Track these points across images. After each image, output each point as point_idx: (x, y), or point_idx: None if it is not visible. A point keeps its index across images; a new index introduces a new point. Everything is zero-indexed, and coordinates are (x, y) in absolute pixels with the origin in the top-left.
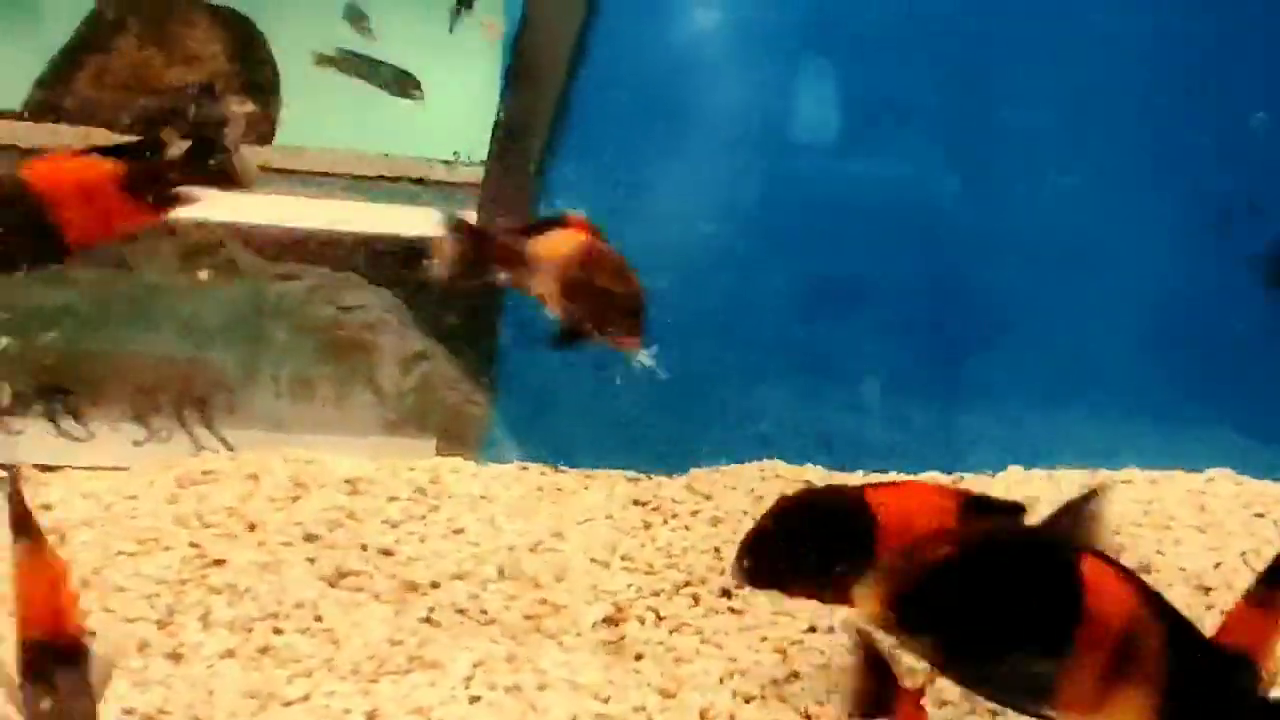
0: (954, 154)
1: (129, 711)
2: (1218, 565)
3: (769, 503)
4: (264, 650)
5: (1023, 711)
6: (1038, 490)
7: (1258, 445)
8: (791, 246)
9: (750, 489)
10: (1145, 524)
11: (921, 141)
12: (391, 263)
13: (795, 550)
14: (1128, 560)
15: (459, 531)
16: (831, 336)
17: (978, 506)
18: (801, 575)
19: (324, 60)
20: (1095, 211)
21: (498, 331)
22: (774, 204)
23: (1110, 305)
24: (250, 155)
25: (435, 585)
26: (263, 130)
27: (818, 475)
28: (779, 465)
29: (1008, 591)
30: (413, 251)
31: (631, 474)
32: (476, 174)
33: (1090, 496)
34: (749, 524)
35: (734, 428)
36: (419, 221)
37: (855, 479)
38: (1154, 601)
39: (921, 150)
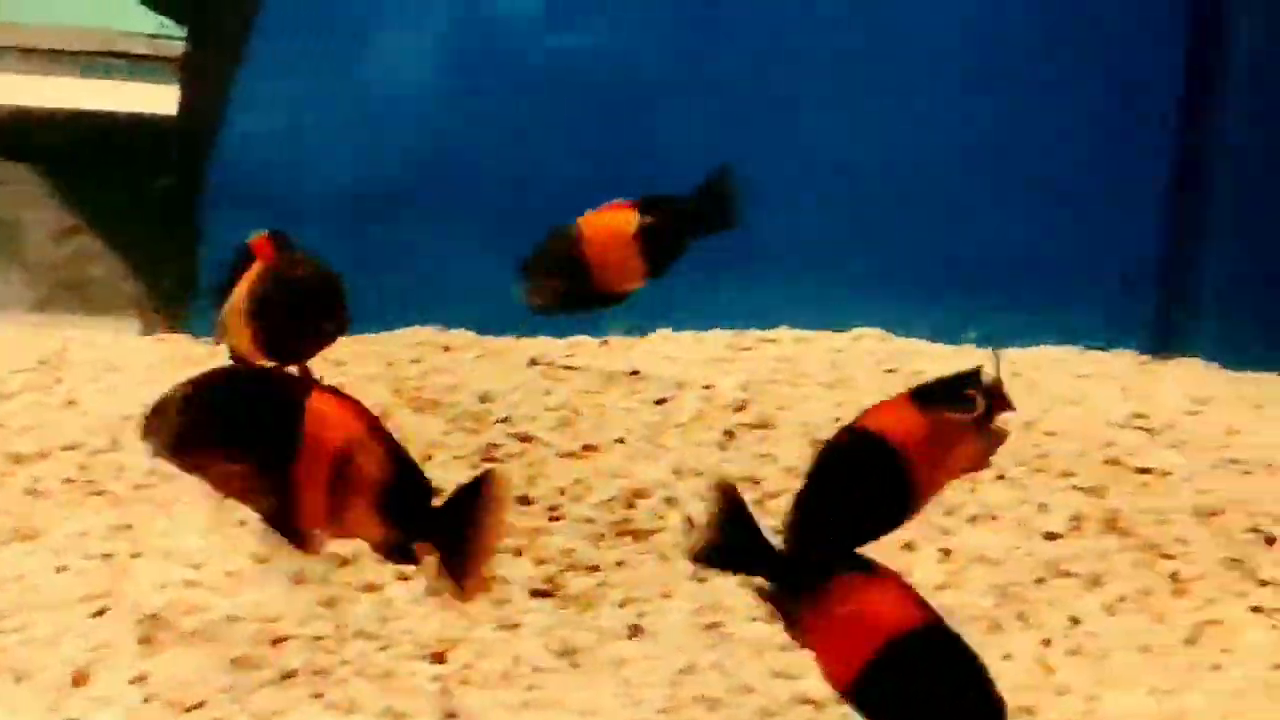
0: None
1: None
2: (836, 420)
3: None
4: None
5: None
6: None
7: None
8: (496, 123)
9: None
10: (779, 380)
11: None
12: (47, 136)
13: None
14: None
15: (73, 403)
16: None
17: None
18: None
19: None
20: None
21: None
22: (480, 83)
23: (801, 170)
24: None
25: (44, 455)
26: None
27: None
28: (429, 331)
29: (235, 417)
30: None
31: None
32: (178, 49)
33: None
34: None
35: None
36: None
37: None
38: (375, 428)
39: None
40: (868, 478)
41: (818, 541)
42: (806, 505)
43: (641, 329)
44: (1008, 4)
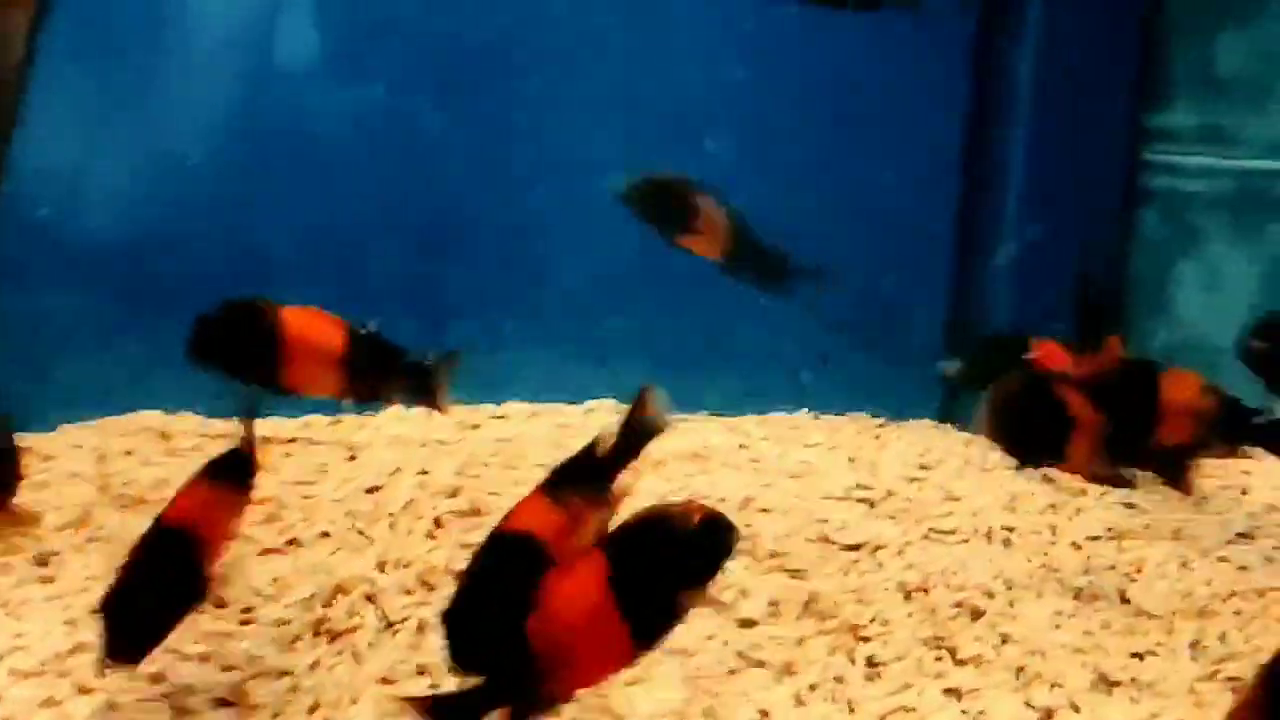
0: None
1: None
2: None
3: None
4: None
5: None
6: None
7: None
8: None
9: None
10: (495, 462)
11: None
12: None
13: None
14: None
15: None
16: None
17: None
18: None
19: None
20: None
21: None
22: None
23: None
24: None
25: None
26: None
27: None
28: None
29: None
30: None
31: None
32: None
33: None
34: None
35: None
36: None
37: None
38: None
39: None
40: (522, 577)
41: (478, 647)
42: (459, 613)
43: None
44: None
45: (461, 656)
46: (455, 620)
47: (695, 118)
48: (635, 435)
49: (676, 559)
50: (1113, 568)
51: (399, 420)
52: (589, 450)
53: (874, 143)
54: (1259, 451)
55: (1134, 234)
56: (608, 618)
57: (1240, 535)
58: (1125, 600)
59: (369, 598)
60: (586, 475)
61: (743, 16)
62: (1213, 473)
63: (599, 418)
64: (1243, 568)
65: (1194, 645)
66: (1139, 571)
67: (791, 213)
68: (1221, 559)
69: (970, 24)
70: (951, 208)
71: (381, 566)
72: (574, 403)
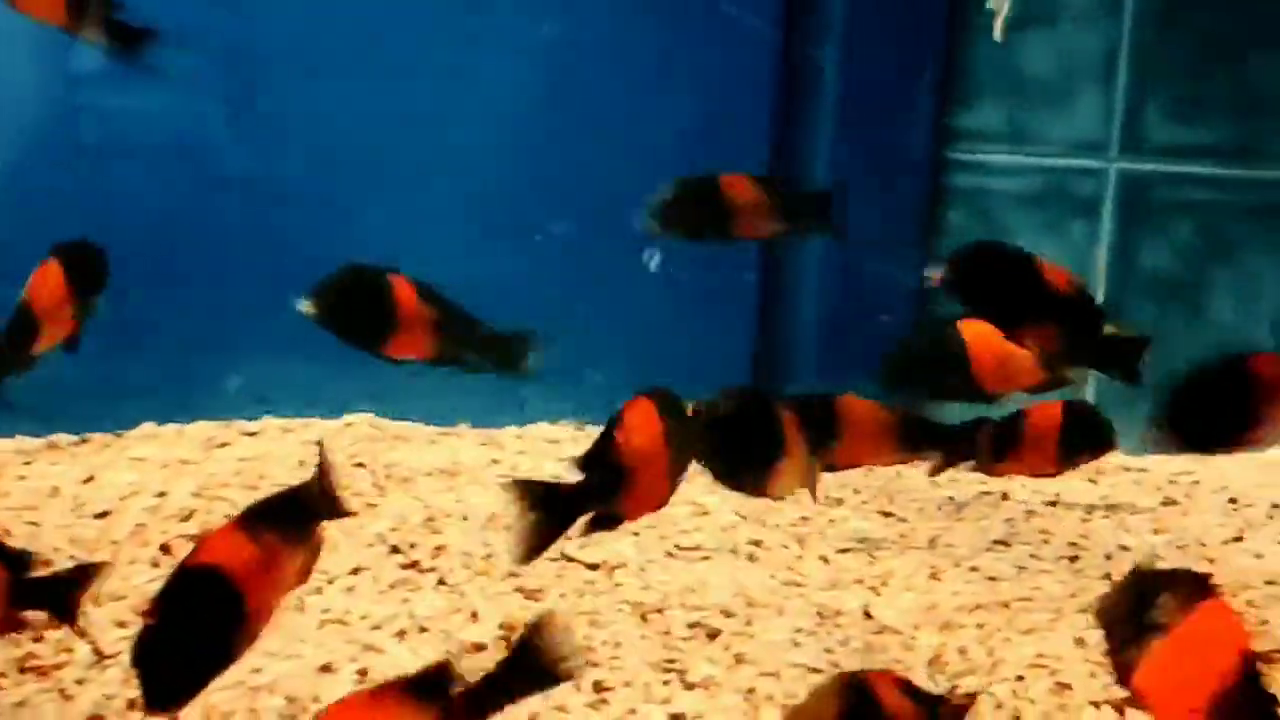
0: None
1: None
2: None
3: None
4: None
5: None
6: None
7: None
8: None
9: None
10: (236, 483)
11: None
12: None
13: None
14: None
15: None
16: None
17: None
18: None
19: None
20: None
21: None
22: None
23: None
24: None
25: None
26: None
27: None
28: None
29: None
30: None
31: None
32: None
33: None
34: None
35: None
36: None
37: None
38: None
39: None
40: (201, 615)
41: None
42: (146, 653)
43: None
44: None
45: (151, 694)
46: (140, 657)
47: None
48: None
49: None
50: (860, 581)
51: (145, 440)
52: (301, 487)
53: (678, 146)
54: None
55: (941, 232)
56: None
57: (997, 543)
58: (868, 615)
59: (80, 632)
60: (291, 512)
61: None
62: (976, 478)
63: (357, 430)
64: (992, 578)
65: (932, 661)
66: (885, 584)
67: (596, 216)
68: (973, 569)
69: (775, 27)
70: None
71: (96, 598)
72: (332, 417)
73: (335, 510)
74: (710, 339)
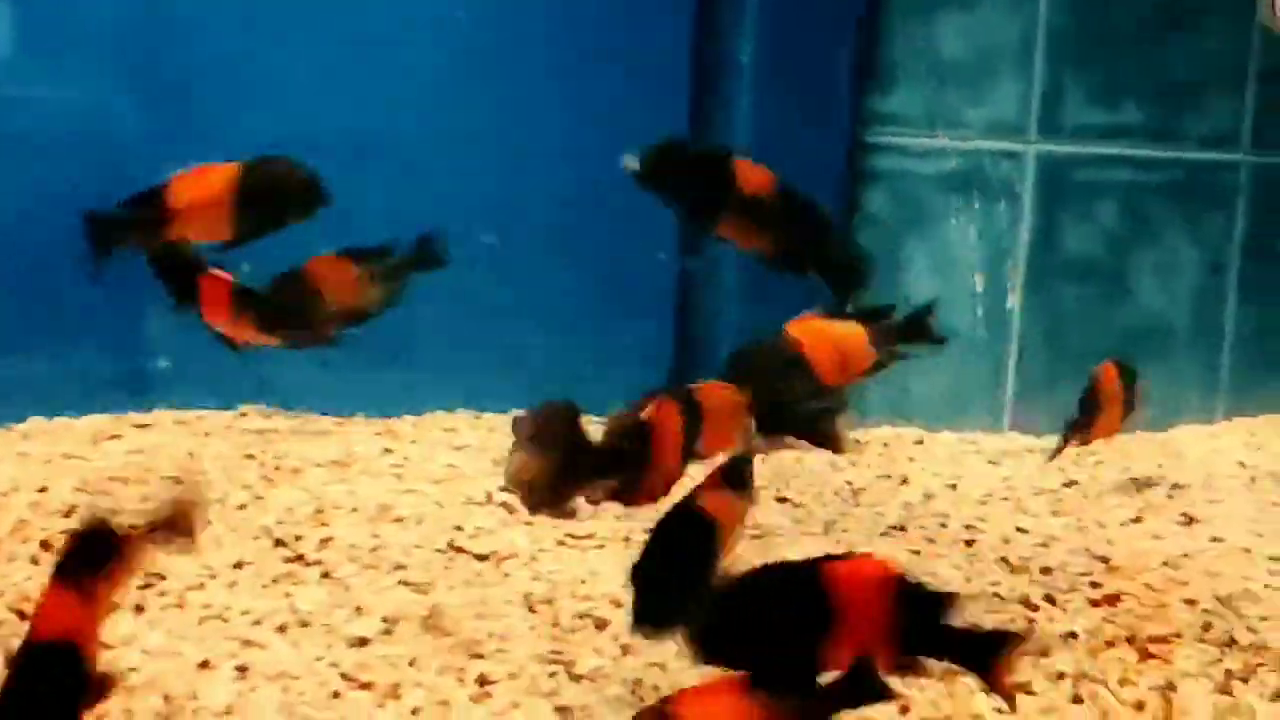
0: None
1: None
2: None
3: None
4: None
5: None
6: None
7: None
8: None
9: None
10: (123, 477)
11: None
12: None
13: None
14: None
15: None
16: None
17: None
18: None
19: None
20: None
21: None
22: None
23: None
24: None
25: None
26: None
27: None
28: None
29: None
30: None
31: None
32: None
33: None
34: None
35: None
36: None
37: None
38: None
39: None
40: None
41: None
42: None
43: None
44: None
45: None
46: None
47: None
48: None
49: None
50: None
51: (32, 434)
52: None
53: (595, 128)
54: (927, 437)
55: (864, 216)
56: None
57: (893, 528)
58: None
59: None
60: (100, 556)
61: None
62: (873, 463)
63: (250, 422)
64: None
65: None
66: None
67: (515, 197)
68: (865, 555)
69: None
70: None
71: None
72: (226, 408)
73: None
74: (629, 326)
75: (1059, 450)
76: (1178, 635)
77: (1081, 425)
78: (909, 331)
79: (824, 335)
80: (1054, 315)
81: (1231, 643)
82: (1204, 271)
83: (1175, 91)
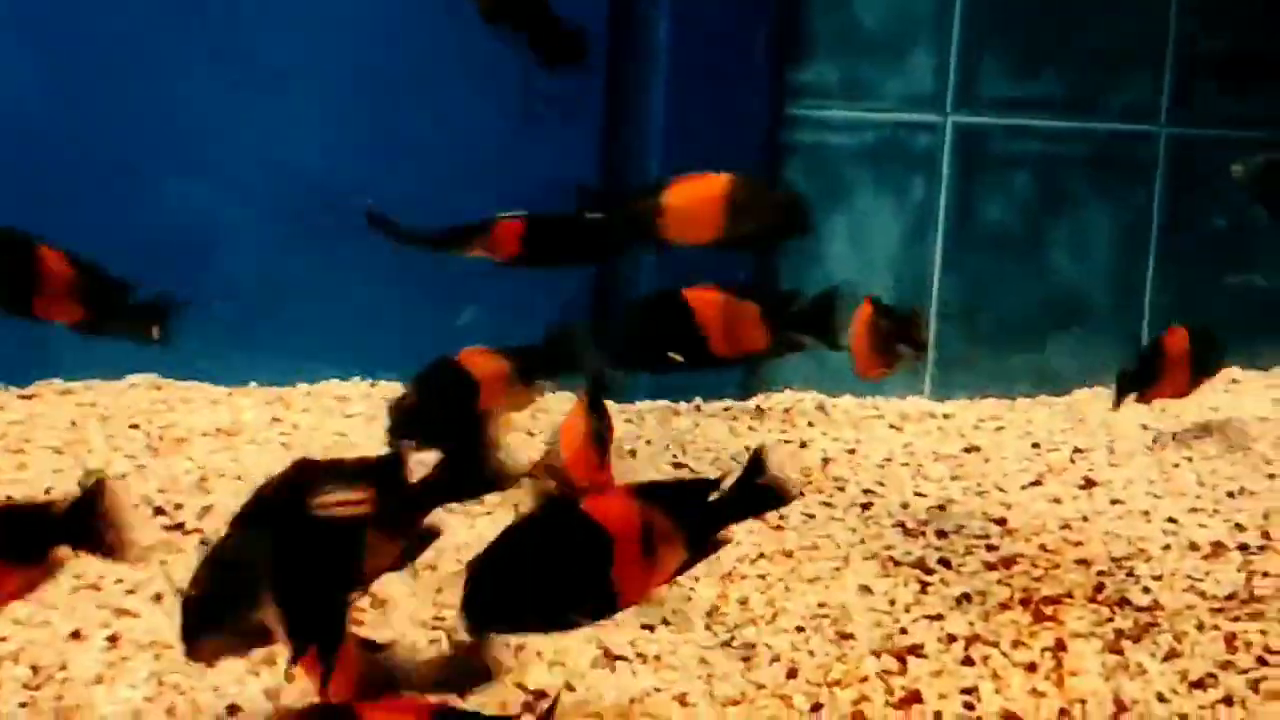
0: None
1: None
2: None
3: None
4: None
5: None
6: None
7: None
8: None
9: None
10: None
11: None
12: None
13: None
14: None
15: None
16: None
17: None
18: None
19: None
20: None
21: None
22: None
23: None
24: None
25: None
26: None
27: None
28: None
29: None
30: None
31: None
32: None
33: None
34: None
35: None
36: None
37: None
38: None
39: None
40: None
41: None
42: None
43: None
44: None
45: None
46: None
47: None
48: None
49: None
50: None
51: None
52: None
53: (509, 105)
54: (829, 402)
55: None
56: None
57: None
58: None
59: None
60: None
61: None
62: (774, 428)
63: (139, 392)
64: (779, 527)
65: (711, 613)
66: None
67: (423, 181)
68: (758, 520)
69: None
70: (594, 169)
71: None
72: (115, 378)
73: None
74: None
75: (1119, 402)
76: (1070, 596)
77: (1138, 380)
78: (803, 323)
79: (719, 303)
80: (972, 285)
81: (1124, 603)
82: (1122, 242)
83: (1092, 63)
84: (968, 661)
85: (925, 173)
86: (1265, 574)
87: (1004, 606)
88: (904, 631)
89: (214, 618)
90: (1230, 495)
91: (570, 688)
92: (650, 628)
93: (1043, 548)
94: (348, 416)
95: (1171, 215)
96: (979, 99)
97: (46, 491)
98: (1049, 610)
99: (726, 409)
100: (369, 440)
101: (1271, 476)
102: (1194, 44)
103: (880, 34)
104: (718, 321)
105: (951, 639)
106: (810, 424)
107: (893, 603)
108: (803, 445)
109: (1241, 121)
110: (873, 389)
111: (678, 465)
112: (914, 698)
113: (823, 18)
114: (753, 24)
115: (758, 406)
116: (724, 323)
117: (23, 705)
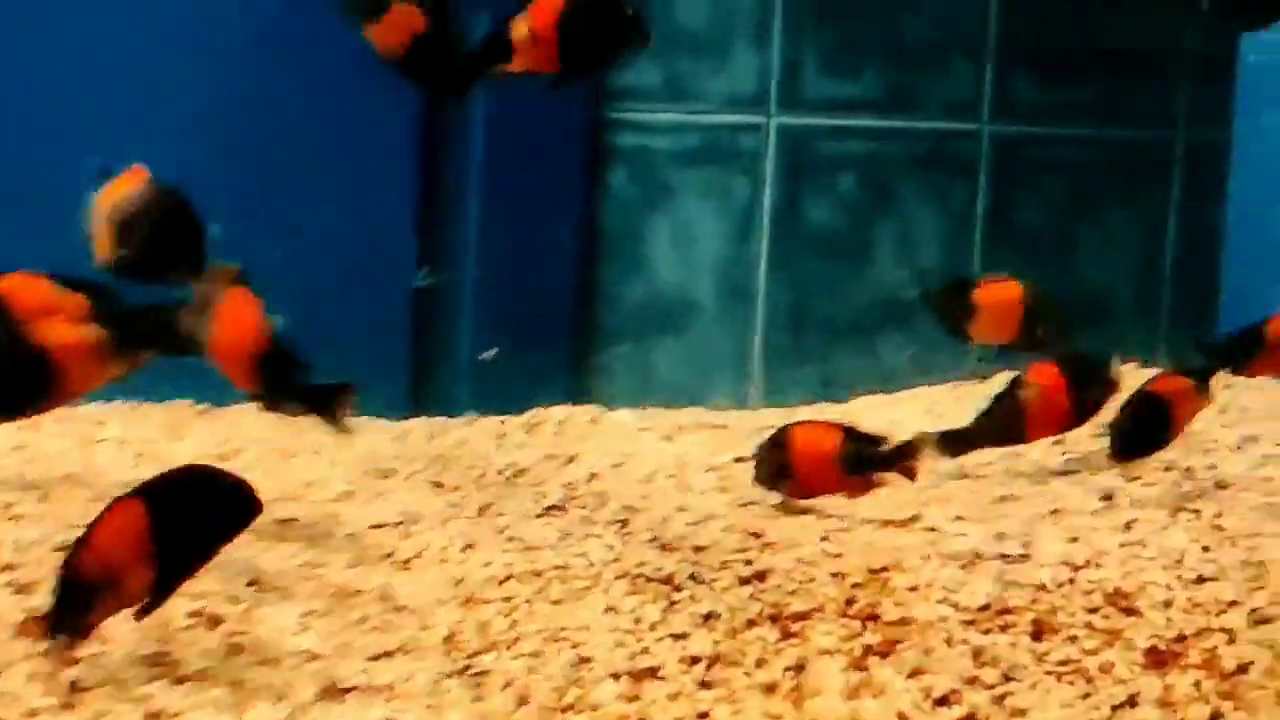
0: None
1: None
2: None
3: None
4: None
5: None
6: None
7: None
8: None
9: None
10: None
11: None
12: None
13: None
14: None
15: None
16: None
17: None
18: None
19: None
20: None
21: None
22: None
23: None
24: None
25: None
26: None
27: None
28: None
29: None
30: None
31: None
32: None
33: None
34: None
35: None
36: None
37: None
38: None
39: None
40: None
41: None
42: None
43: None
44: None
45: None
46: None
47: None
48: None
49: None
50: (389, 555)
51: None
52: None
53: (323, 113)
54: (603, 415)
55: (605, 193)
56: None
57: (551, 509)
58: (385, 596)
59: None
60: None
61: None
62: (544, 443)
63: None
64: (533, 546)
65: (448, 639)
66: (417, 558)
67: (247, 200)
68: (512, 538)
69: None
70: (410, 200)
71: None
72: None
73: None
74: (363, 301)
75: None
76: (820, 610)
77: (1232, 354)
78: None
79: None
80: (799, 288)
81: (874, 617)
82: (947, 240)
83: (914, 61)
84: (705, 685)
85: (750, 175)
86: (1020, 584)
87: (751, 623)
88: (646, 652)
89: None
90: (997, 502)
91: None
92: (388, 655)
93: (800, 560)
94: (100, 441)
95: (995, 212)
96: (802, 99)
97: None
98: (796, 627)
99: (502, 423)
100: (116, 463)
101: (1040, 483)
102: (1015, 40)
103: (702, 35)
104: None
105: (694, 660)
106: (583, 438)
107: (638, 622)
108: (570, 461)
109: (1063, 117)
110: (695, 395)
111: (437, 485)
112: None
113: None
114: None
115: (530, 420)
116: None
117: None
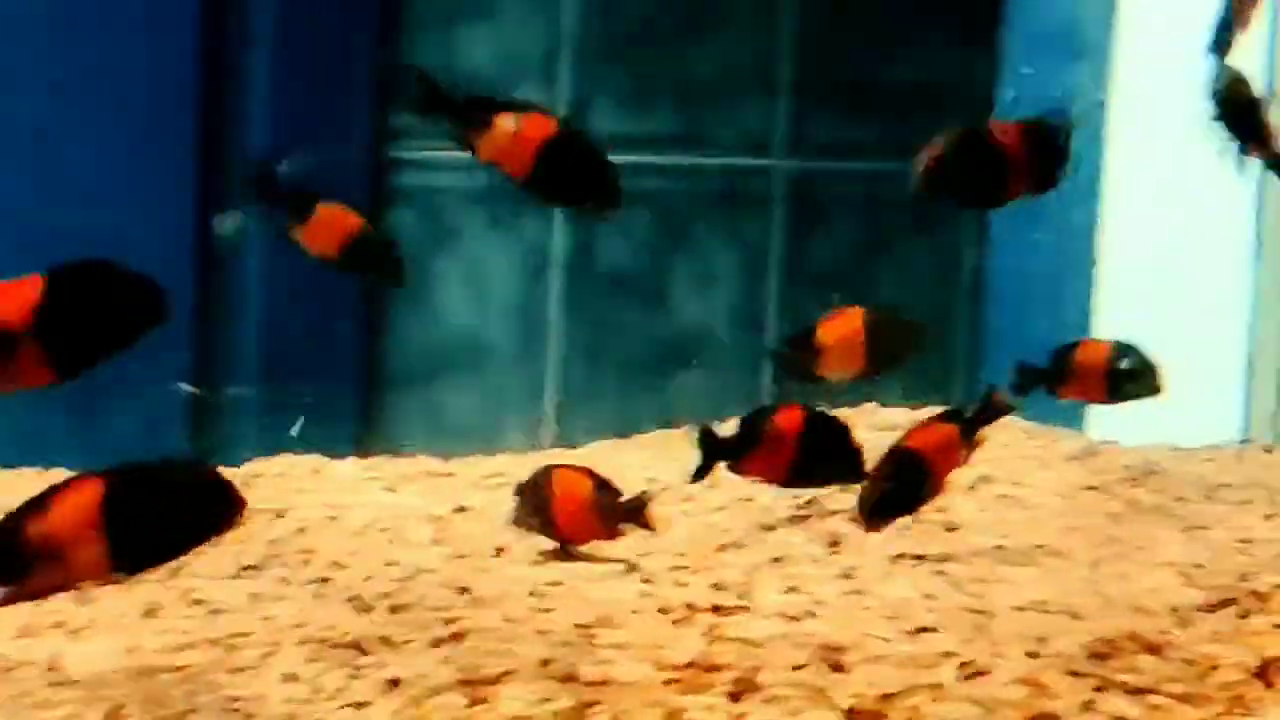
0: None
1: None
2: None
3: None
4: None
5: None
6: None
7: None
8: None
9: None
10: None
11: None
12: None
13: None
14: None
15: None
16: None
17: None
18: None
19: None
20: None
21: None
22: None
23: None
24: None
25: None
26: None
27: None
28: None
29: None
30: None
31: None
32: None
33: None
34: None
35: None
36: None
37: None
38: None
39: None
40: None
41: None
42: None
43: None
44: None
45: None
46: None
47: None
48: None
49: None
50: (60, 625)
51: None
52: None
53: (99, 157)
54: (326, 465)
55: (393, 233)
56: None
57: (248, 568)
58: (53, 667)
59: None
60: None
61: None
62: (259, 496)
63: None
64: (218, 610)
65: (111, 713)
66: (89, 627)
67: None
68: (198, 601)
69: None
70: (188, 227)
71: None
72: None
73: None
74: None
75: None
76: (513, 673)
77: (1048, 377)
78: None
79: None
80: (593, 327)
81: (571, 678)
82: (742, 277)
83: (706, 98)
84: None
85: (540, 213)
86: (728, 639)
87: (437, 690)
88: None
89: None
90: (720, 550)
91: None
92: None
93: (506, 618)
94: None
95: (790, 248)
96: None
97: None
98: (486, 691)
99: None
100: None
101: (769, 529)
102: (806, 75)
103: (489, 73)
104: None
105: None
106: (300, 490)
107: (316, 691)
108: (279, 515)
109: (856, 152)
110: (485, 438)
111: None
112: None
113: (427, 57)
114: (354, 67)
115: (250, 472)
116: None
117: None
